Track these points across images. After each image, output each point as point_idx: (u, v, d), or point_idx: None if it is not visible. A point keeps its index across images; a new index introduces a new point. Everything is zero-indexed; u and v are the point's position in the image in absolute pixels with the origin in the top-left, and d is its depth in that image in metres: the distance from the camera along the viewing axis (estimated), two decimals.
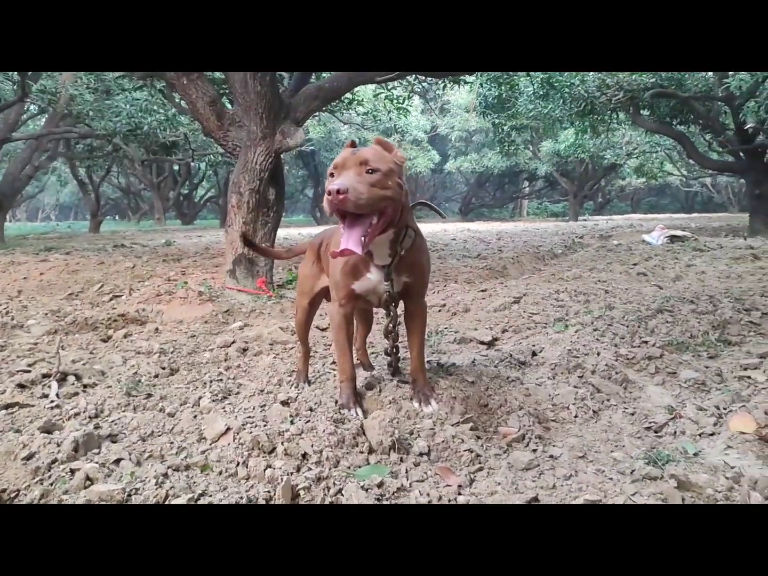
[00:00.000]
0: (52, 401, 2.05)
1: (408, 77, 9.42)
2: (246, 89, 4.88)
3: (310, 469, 1.50)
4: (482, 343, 3.07)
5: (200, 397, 2.18)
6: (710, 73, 12.04)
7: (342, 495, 1.42)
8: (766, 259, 6.51)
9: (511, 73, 9.62)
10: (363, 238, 1.65)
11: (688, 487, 1.32)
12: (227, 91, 6.16)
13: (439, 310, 4.04)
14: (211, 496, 1.29)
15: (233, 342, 3.21)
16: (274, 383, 2.40)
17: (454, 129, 27.42)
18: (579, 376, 2.46)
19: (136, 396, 2.21)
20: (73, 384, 2.46)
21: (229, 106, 5.96)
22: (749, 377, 2.30)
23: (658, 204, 40.51)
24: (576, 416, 2.16)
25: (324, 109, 10.56)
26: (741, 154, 11.84)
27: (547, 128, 14.91)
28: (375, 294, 2.01)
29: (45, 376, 2.51)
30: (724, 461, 1.43)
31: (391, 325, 2.13)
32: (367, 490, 1.45)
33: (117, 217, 40.46)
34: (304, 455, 1.56)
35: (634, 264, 6.32)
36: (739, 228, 12.67)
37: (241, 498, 1.32)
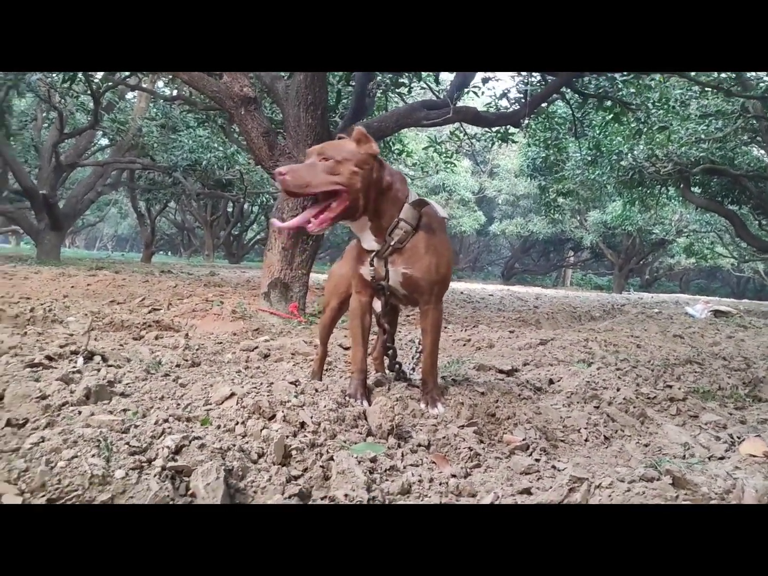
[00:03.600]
0: (74, 367, 2.14)
1: (457, 132, 9.72)
2: (298, 123, 5.14)
3: (306, 436, 1.52)
4: (501, 371, 3.04)
5: (214, 381, 2.23)
6: (763, 153, 11.99)
7: (333, 461, 1.43)
8: None
9: (559, 136, 9.79)
10: (313, 218, 1.85)
11: (683, 484, 1.28)
12: (281, 129, 6.48)
13: (464, 345, 4.03)
14: (201, 440, 1.32)
15: (256, 347, 3.28)
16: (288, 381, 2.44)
17: (502, 192, 27.79)
18: (595, 406, 2.40)
19: (154, 374, 2.28)
20: (98, 363, 2.55)
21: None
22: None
23: (708, 287, 39.50)
24: (586, 440, 2.11)
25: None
26: None
27: (594, 195, 14.97)
28: (378, 278, 2.06)
29: (73, 353, 2.62)
30: (727, 472, 1.38)
31: (386, 320, 2.20)
32: (360, 462, 1.46)
33: (170, 253, 41.97)
34: (303, 424, 1.58)
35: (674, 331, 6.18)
36: None
37: (234, 445, 1.35)
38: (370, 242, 2.02)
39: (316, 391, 1.83)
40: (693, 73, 7.95)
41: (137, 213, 20.80)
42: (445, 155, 10.31)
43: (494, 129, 9.48)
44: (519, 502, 1.29)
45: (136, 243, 46.08)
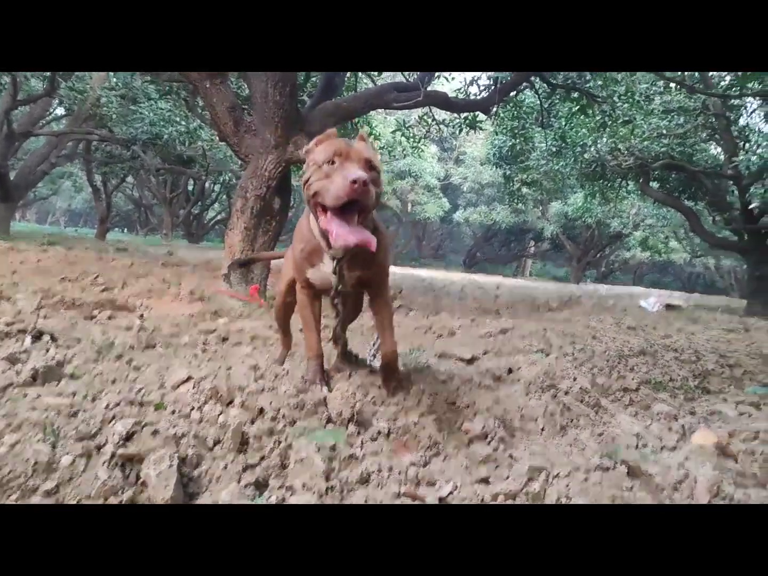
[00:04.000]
0: (21, 347, 2.04)
1: (425, 117, 9.69)
2: (266, 99, 5.02)
3: (264, 422, 1.49)
4: (462, 359, 3.06)
5: (170, 365, 2.17)
6: (720, 150, 12.35)
7: (291, 449, 1.40)
8: (758, 332, 6.52)
9: (526, 125, 9.86)
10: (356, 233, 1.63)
11: (638, 474, 1.30)
12: (247, 105, 6.32)
13: (425, 332, 4.04)
14: (154, 425, 1.28)
15: (214, 330, 3.21)
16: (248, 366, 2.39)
17: (467, 179, 27.93)
18: (552, 396, 2.44)
19: (106, 356, 2.20)
20: (47, 342, 2.45)
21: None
22: (720, 411, 2.29)
23: (660, 281, 40.73)
24: (543, 429, 2.14)
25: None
26: (744, 234, 11.99)
27: (557, 186, 15.18)
28: (323, 283, 1.98)
29: (20, 331, 2.51)
30: (678, 462, 1.42)
31: (337, 321, 2.15)
32: (319, 449, 1.43)
33: (126, 230, 40.77)
34: (261, 410, 1.55)
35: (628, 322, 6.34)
36: (737, 309, 12.70)
37: (189, 432, 1.31)
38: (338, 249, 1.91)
39: (276, 376, 1.80)
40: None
41: (92, 187, 20.06)
42: (413, 140, 10.26)
43: (463, 116, 9.48)
44: (477, 492, 1.29)
45: (90, 218, 44.60)
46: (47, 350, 2.26)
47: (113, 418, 1.28)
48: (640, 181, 12.76)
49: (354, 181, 1.54)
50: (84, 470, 1.10)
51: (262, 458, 1.38)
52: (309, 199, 1.72)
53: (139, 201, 30.33)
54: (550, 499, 1.17)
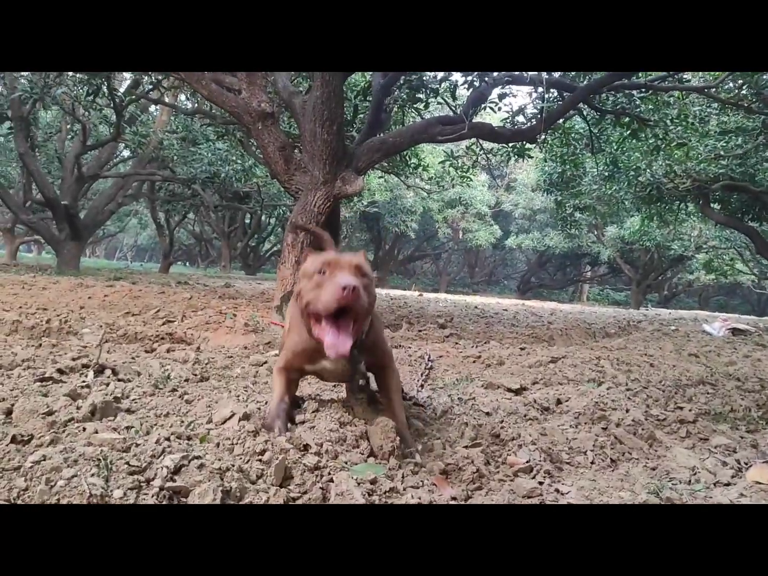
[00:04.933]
0: (83, 382, 2.17)
1: (473, 147, 9.74)
2: (314, 137, 5.20)
3: (307, 457, 1.53)
4: (510, 390, 3.03)
5: (220, 398, 2.25)
6: None
7: (332, 482, 1.43)
8: None
9: (576, 151, 9.76)
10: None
11: None
12: (298, 143, 6.55)
13: (474, 362, 4.01)
14: (201, 458, 1.33)
15: (265, 362, 3.30)
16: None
17: (518, 206, 27.72)
18: (603, 428, 2.38)
19: (162, 389, 2.31)
20: (108, 376, 2.58)
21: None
22: None
23: (728, 304, 38.88)
24: (592, 462, 2.09)
25: (391, 171, 11.01)
26: None
27: (611, 210, 14.87)
28: (329, 373, 1.96)
29: (84, 366, 2.66)
30: (729, 500, 1.36)
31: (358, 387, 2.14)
32: (359, 483, 1.46)
33: (188, 264, 42.43)
34: (306, 446, 1.59)
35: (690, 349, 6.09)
36: None
37: (233, 466, 1.36)
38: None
39: (317, 411, 1.84)
40: (713, 90, 7.89)
41: (156, 224, 21.08)
42: (461, 170, 10.32)
43: (510, 144, 9.50)
44: None
45: (155, 253, 46.67)
46: (107, 385, 2.39)
47: (162, 452, 1.34)
48: (700, 203, 12.37)
49: (344, 288, 1.55)
50: (134, 503, 1.16)
51: (304, 492, 1.41)
52: (302, 310, 1.73)
53: (199, 236, 31.57)
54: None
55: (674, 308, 31.19)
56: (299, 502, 1.37)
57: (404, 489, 1.55)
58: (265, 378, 3.01)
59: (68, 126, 15.24)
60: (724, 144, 10.22)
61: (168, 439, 1.45)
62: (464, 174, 10.44)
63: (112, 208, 14.10)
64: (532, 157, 9.83)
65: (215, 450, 1.47)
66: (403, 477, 1.61)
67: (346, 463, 1.58)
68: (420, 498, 1.48)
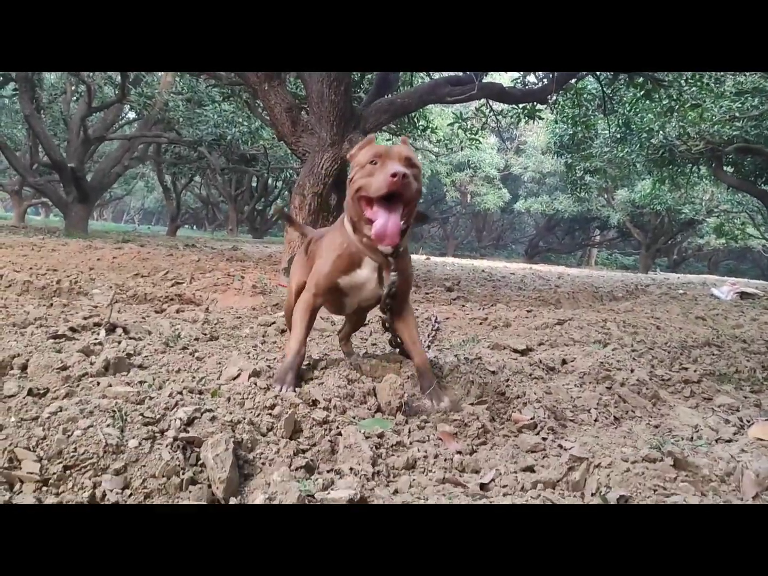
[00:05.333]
0: (96, 339, 2.21)
1: (483, 109, 9.57)
2: (321, 98, 5.13)
3: (316, 411, 1.56)
4: (516, 350, 3.05)
5: (230, 356, 2.28)
6: None
7: (341, 436, 1.47)
8: None
9: (588, 113, 9.57)
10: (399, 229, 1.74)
11: (684, 466, 1.29)
12: (305, 105, 6.46)
13: (480, 323, 4.04)
14: (213, 411, 1.37)
15: (273, 322, 3.33)
16: None
17: (528, 169, 27.35)
18: (607, 387, 2.41)
19: (173, 347, 2.34)
20: (119, 335, 2.63)
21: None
22: None
23: (737, 268, 38.54)
24: (596, 420, 2.12)
25: (399, 134, 10.86)
26: None
27: (622, 173, 14.66)
28: (359, 292, 1.98)
29: (96, 324, 2.70)
30: (731, 455, 1.39)
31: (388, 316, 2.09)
32: (367, 437, 1.49)
33: (195, 227, 42.42)
34: (314, 401, 1.62)
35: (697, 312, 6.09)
36: None
37: (244, 419, 1.39)
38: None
39: (326, 368, 1.87)
40: None
41: (163, 187, 21.03)
42: (470, 132, 10.17)
43: (521, 105, 9.33)
44: (519, 480, 1.31)
45: (162, 216, 46.62)
46: (119, 342, 2.43)
47: (176, 405, 1.38)
48: (713, 166, 12.17)
49: (394, 174, 1.66)
50: (149, 452, 1.20)
51: (313, 444, 1.45)
52: (353, 195, 1.83)
53: (206, 199, 31.47)
54: (590, 488, 1.18)
55: (683, 272, 30.96)
56: (308, 454, 1.41)
57: (411, 443, 1.59)
58: (273, 338, 3.05)
59: (73, 87, 15.08)
60: (740, 105, 9.98)
61: (180, 393, 1.49)
62: (473, 136, 10.29)
63: (119, 170, 14.05)
64: (543, 119, 9.66)
65: (226, 404, 1.51)
66: (409, 432, 1.64)
67: (354, 417, 1.62)
68: (426, 452, 1.52)
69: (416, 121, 10.26)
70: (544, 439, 1.84)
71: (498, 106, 10.08)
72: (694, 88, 8.05)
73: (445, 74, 7.55)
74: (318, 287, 2.00)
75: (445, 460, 1.50)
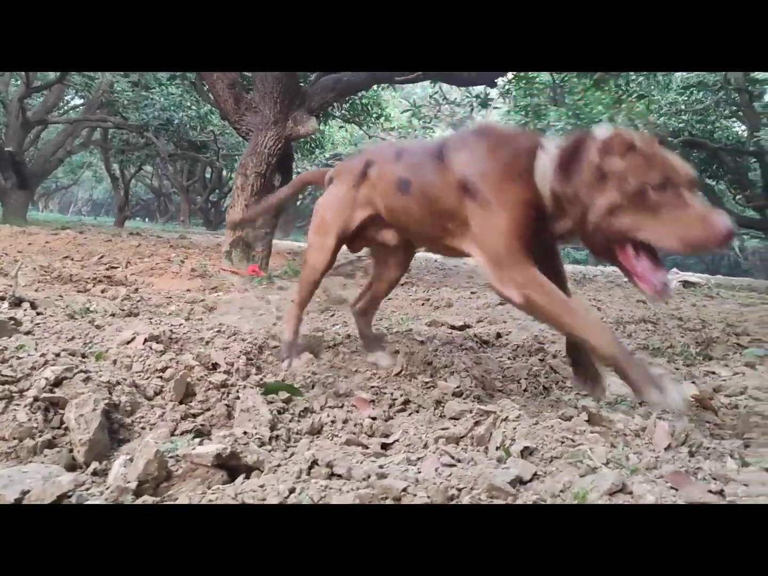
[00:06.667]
0: None
1: (436, 96, 9.52)
2: (265, 74, 4.94)
3: (214, 375, 1.43)
4: (453, 327, 2.98)
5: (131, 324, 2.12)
6: (743, 127, 11.97)
7: (239, 400, 1.35)
8: None
9: (540, 103, 9.63)
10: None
11: (598, 421, 1.22)
12: (251, 86, 6.25)
13: (422, 304, 3.96)
14: (89, 372, 1.22)
15: (202, 300, 3.17)
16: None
17: None
18: (540, 359, 2.35)
19: (78, 319, 2.17)
20: (25, 310, 2.42)
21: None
22: (713, 372, 2.18)
23: (683, 262, 39.83)
24: (525, 390, 2.06)
25: (351, 121, 10.70)
26: (767, 211, 11.65)
27: None
28: None
29: (0, 298, 2.49)
30: (648, 411, 1.33)
31: None
32: (270, 402, 1.37)
33: (147, 219, 41.16)
34: (215, 365, 1.49)
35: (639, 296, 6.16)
36: (759, 288, 12.34)
37: (124, 380, 1.25)
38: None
39: (235, 334, 1.74)
40: None
41: (110, 175, 20.26)
42: (424, 120, 10.10)
43: (474, 94, 9.32)
44: (422, 437, 1.22)
45: (112, 208, 45.08)
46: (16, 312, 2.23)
47: (44, 364, 1.23)
48: None
49: (728, 235, 1.15)
50: (1, 412, 1.05)
51: (207, 409, 1.32)
52: (609, 231, 1.26)
53: (157, 190, 30.57)
54: (495, 442, 1.10)
55: None
56: (199, 419, 1.28)
57: (321, 408, 1.48)
58: (200, 315, 2.88)
59: None
60: (686, 98, 10.24)
61: (58, 354, 1.33)
62: (427, 125, 10.23)
63: (61, 156, 13.46)
64: (496, 108, 9.68)
65: (111, 367, 1.37)
66: (326, 400, 1.53)
67: (260, 381, 1.49)
68: (335, 416, 1.41)
69: (369, 108, 10.13)
70: (470, 411, 1.75)
71: (452, 94, 10.05)
72: (641, 79, 8.17)
73: None
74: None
75: (355, 425, 1.40)
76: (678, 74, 10.45)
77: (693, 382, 1.78)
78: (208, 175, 25.54)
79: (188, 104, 11.24)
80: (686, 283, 8.93)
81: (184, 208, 24.09)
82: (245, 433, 1.21)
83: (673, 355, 2.77)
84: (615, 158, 1.25)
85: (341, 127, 12.21)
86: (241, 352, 1.58)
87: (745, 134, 11.59)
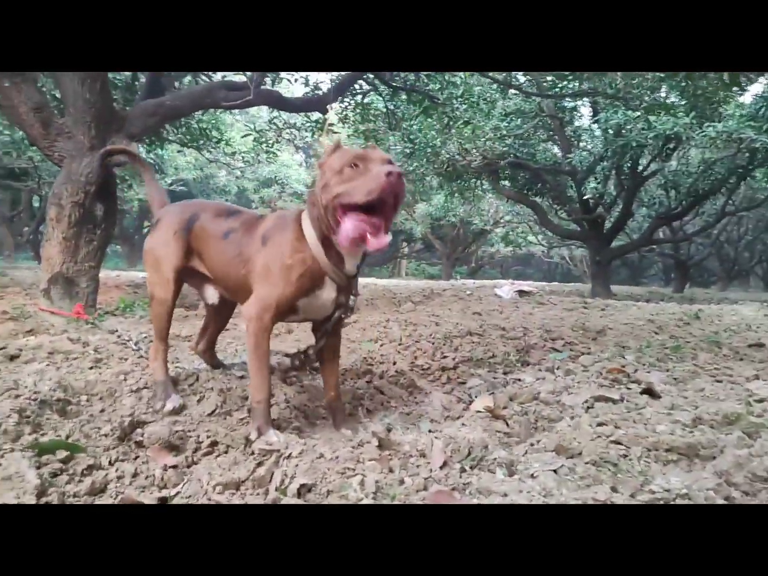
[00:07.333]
0: None
1: (276, 121, 9.50)
2: (75, 97, 4.59)
3: None
4: (287, 355, 2.93)
5: None
6: (556, 149, 13.37)
7: (0, 466, 1.19)
8: (592, 310, 7.05)
9: (377, 128, 10.00)
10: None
11: (388, 445, 1.25)
12: (61, 104, 5.78)
13: None
14: None
15: (2, 348, 2.82)
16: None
17: None
18: (367, 381, 2.39)
19: None
20: None
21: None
22: (520, 380, 2.35)
23: (524, 273, 43.35)
24: (350, 414, 2.06)
25: (189, 145, 10.32)
26: (584, 223, 13.03)
27: (417, 188, 15.59)
28: (312, 312, 1.83)
29: None
30: (429, 430, 1.38)
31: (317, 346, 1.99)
32: (39, 466, 1.23)
33: None
34: None
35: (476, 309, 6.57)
36: (584, 292, 13.79)
37: None
38: (353, 265, 1.79)
39: (7, 390, 1.55)
40: (491, 72, 8.53)
41: None
42: (266, 144, 10.02)
43: (313, 119, 9.43)
44: (204, 486, 1.16)
45: None
46: None
47: None
48: (491, 179, 13.48)
49: (389, 173, 1.49)
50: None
51: None
52: (328, 204, 1.64)
53: None
54: (275, 482, 1.07)
55: (481, 278, 33.99)
56: None
57: (110, 463, 1.36)
58: None
59: None
60: (507, 124, 11.21)
61: None
62: (270, 149, 10.15)
63: None
64: (336, 133, 9.87)
65: None
66: (117, 453, 1.40)
67: (34, 442, 1.33)
68: (123, 471, 1.29)
69: (208, 132, 9.84)
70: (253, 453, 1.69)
71: (292, 119, 10.09)
72: (465, 106, 8.80)
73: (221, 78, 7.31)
74: (278, 309, 1.74)
75: (146, 477, 1.30)
76: (499, 103, 11.44)
77: (491, 393, 1.89)
78: (36, 204, 23.19)
79: (0, 128, 10.14)
80: (522, 292, 9.72)
81: (9, 241, 21.63)
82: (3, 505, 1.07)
83: (494, 364, 2.96)
84: (328, 159, 1.73)
85: (179, 151, 11.71)
86: (12, 410, 1.40)
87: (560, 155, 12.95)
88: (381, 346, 2.95)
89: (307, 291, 1.73)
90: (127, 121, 4.82)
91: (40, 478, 1.16)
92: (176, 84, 7.49)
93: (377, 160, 1.62)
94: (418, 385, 2.44)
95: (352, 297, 1.84)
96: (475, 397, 2.05)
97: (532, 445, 1.38)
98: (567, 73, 7.38)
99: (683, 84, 7.85)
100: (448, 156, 11.44)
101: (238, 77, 7.94)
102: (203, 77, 8.04)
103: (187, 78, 8.22)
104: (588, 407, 1.82)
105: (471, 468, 1.15)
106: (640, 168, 11.79)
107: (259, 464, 1.16)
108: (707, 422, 1.70)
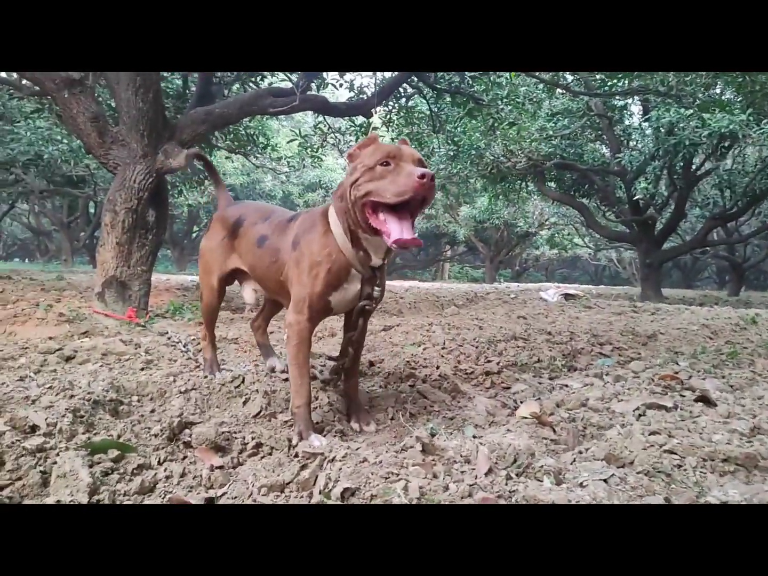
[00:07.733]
0: None
1: (320, 126, 9.60)
2: (129, 106, 4.75)
3: (32, 439, 1.30)
4: (330, 358, 2.95)
5: None
6: (605, 149, 13.04)
7: (56, 465, 1.23)
8: (642, 314, 6.84)
9: (421, 131, 9.98)
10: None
11: (432, 451, 1.23)
12: (115, 113, 6.00)
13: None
14: None
15: (58, 349, 2.93)
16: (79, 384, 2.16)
17: None
18: (410, 385, 2.37)
19: None
20: None
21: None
22: (566, 385, 2.30)
23: (570, 276, 42.53)
24: (392, 418, 2.06)
25: (236, 151, 10.54)
26: (633, 225, 12.68)
27: (460, 190, 15.50)
28: (341, 306, 1.86)
29: None
30: (473, 436, 1.36)
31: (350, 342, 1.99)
32: (92, 465, 1.26)
33: (27, 260, 38.09)
34: (33, 427, 1.36)
35: (520, 312, 6.46)
36: (634, 296, 13.40)
37: None
38: (379, 256, 1.80)
39: (62, 390, 1.61)
40: (538, 72, 8.40)
41: None
42: (311, 149, 10.14)
43: (357, 123, 9.50)
44: (250, 488, 1.17)
45: None
46: None
47: None
48: (537, 181, 13.27)
49: (422, 176, 1.51)
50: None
51: (18, 478, 1.20)
52: (357, 200, 1.65)
53: (36, 229, 28.42)
54: (319, 485, 1.07)
55: (525, 282, 33.50)
56: (6, 491, 1.15)
57: (159, 463, 1.39)
58: (53, 366, 2.66)
59: None
60: (553, 125, 11.01)
61: None
62: (315, 154, 10.27)
63: None
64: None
65: None
66: (165, 453, 1.44)
67: (87, 441, 1.38)
68: (172, 471, 1.32)
69: (255, 138, 10.03)
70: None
71: (337, 123, 10.18)
72: (510, 107, 8.69)
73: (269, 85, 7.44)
74: (312, 309, 1.78)
75: (194, 477, 1.32)
76: (545, 103, 11.25)
77: (537, 399, 1.85)
78: (92, 210, 24.14)
79: (59, 138, 10.58)
80: (567, 296, 9.52)
81: (66, 246, 22.58)
82: (58, 501, 1.11)
83: (540, 369, 2.91)
84: (358, 153, 1.73)
85: (227, 157, 11.98)
86: (67, 409, 1.45)
87: (609, 155, 12.64)
88: (424, 349, 2.93)
89: (336, 285, 1.76)
90: (178, 128, 4.96)
91: (92, 477, 1.20)
92: (225, 92, 7.68)
93: (408, 158, 1.63)
94: (462, 390, 2.41)
95: (377, 288, 1.83)
96: (521, 402, 2.01)
97: (580, 453, 1.34)
98: None
99: (740, 80, 7.55)
100: (492, 158, 11.33)
101: (284, 83, 8.09)
102: (251, 84, 8.21)
103: (236, 86, 8.41)
104: (639, 415, 1.76)
105: (517, 475, 1.13)
106: (694, 167, 11.39)
107: (303, 467, 1.17)
108: (766, 432, 1.62)
